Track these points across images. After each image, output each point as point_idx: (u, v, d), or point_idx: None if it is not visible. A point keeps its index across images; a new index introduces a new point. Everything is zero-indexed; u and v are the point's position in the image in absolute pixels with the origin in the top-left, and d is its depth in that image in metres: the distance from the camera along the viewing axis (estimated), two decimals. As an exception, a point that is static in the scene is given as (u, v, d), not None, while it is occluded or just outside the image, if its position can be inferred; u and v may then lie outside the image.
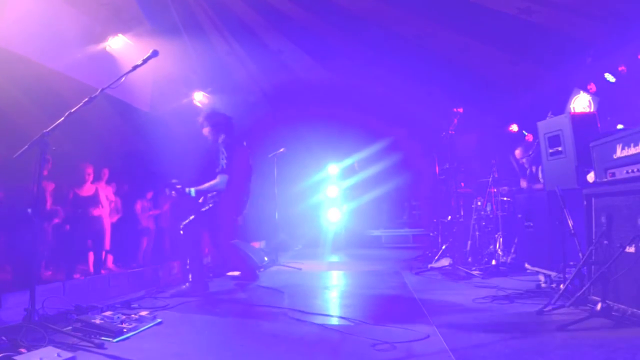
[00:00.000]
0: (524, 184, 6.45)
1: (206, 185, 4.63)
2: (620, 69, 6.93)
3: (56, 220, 6.15)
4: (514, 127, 9.31)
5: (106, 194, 6.83)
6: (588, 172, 3.85)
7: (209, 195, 4.75)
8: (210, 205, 4.70)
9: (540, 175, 5.99)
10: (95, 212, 6.41)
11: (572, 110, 7.25)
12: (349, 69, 9.27)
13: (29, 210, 5.29)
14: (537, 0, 6.58)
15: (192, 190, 4.59)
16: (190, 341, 3.00)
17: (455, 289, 4.77)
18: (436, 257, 6.54)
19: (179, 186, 4.58)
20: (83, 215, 6.26)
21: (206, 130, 4.90)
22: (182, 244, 4.63)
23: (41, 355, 2.42)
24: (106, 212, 6.69)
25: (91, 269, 6.31)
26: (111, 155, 7.19)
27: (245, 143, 5.08)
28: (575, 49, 7.13)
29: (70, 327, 3.04)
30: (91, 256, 6.42)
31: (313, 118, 10.22)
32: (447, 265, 6.02)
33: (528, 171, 6.38)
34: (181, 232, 4.56)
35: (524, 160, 6.51)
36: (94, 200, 6.44)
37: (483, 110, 8.95)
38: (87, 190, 6.42)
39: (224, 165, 4.59)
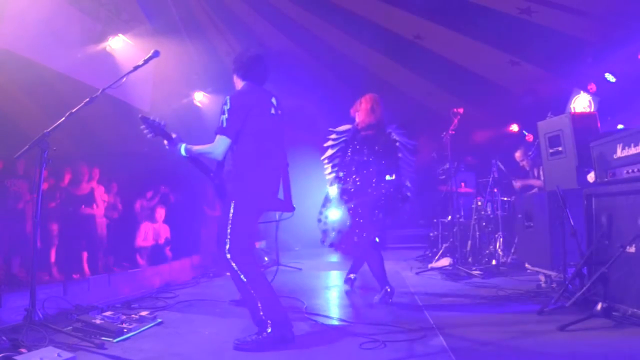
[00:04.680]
0: (517, 184, 6.37)
1: (201, 147, 3.04)
2: (619, 69, 6.92)
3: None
4: (514, 127, 9.29)
5: (103, 193, 6.82)
6: (588, 172, 3.86)
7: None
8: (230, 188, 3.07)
9: (541, 176, 5.95)
10: (90, 211, 6.41)
11: (572, 110, 7.23)
12: (350, 69, 9.27)
13: None
14: (537, 0, 6.57)
15: (182, 147, 3.04)
16: (190, 341, 3.00)
17: (456, 289, 4.76)
18: (436, 257, 6.53)
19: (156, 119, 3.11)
20: (77, 214, 6.26)
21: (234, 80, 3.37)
22: (237, 276, 2.87)
23: (41, 355, 2.42)
24: (101, 211, 6.68)
25: (86, 268, 6.29)
26: (111, 155, 7.19)
27: (274, 100, 3.33)
28: (575, 49, 7.12)
29: (70, 327, 3.05)
30: (85, 255, 6.40)
31: (314, 117, 10.20)
32: (447, 265, 6.01)
33: (530, 174, 6.37)
34: (229, 260, 2.86)
35: (524, 162, 6.47)
36: (89, 199, 6.45)
37: (483, 110, 8.94)
38: (82, 189, 6.42)
39: (223, 121, 2.95)
